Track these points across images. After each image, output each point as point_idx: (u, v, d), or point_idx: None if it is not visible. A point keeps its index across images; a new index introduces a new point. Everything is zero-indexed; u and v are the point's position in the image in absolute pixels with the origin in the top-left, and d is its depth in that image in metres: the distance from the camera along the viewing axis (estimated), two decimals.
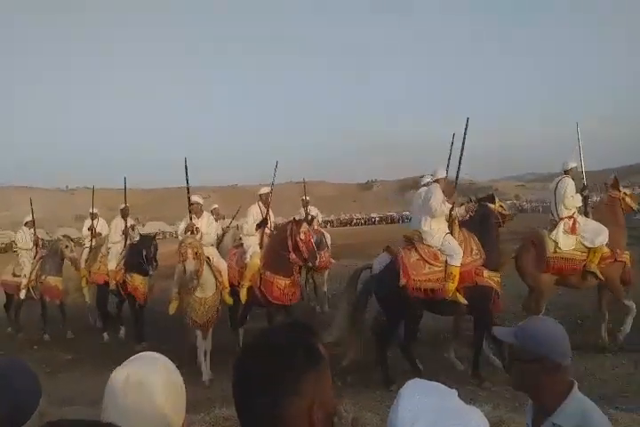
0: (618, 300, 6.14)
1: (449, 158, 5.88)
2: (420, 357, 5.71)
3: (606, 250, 6.12)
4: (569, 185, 6.34)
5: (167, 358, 1.22)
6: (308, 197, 9.60)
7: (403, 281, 5.28)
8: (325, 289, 9.48)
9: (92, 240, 9.17)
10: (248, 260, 6.72)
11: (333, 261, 9.80)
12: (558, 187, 6.45)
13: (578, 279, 6.24)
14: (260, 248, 6.87)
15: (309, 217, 9.15)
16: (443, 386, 0.91)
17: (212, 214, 8.01)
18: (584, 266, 6.11)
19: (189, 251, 5.89)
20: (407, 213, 69.97)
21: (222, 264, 6.73)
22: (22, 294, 8.86)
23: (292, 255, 6.27)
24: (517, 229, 23.08)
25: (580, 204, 6.45)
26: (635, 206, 6.65)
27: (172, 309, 6.55)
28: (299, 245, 6.23)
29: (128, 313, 8.28)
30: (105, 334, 8.27)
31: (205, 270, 6.11)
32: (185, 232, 6.61)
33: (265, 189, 7.48)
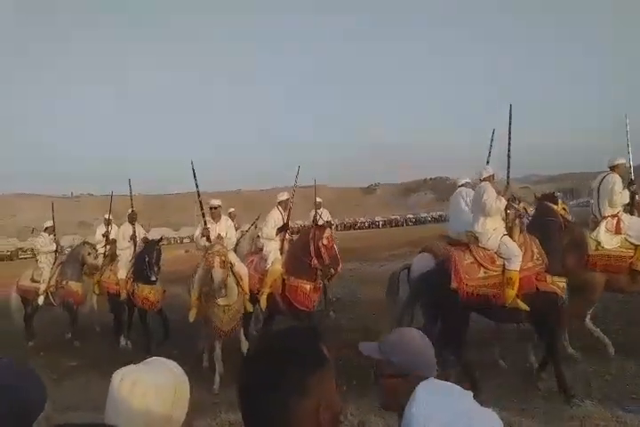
0: None
1: (489, 155, 5.92)
2: None
3: None
4: (616, 182, 5.90)
5: (175, 363, 1.23)
6: (320, 199, 9.31)
7: (454, 284, 4.90)
8: (330, 295, 9.39)
9: (105, 246, 9.01)
10: (269, 266, 6.56)
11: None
12: (603, 183, 6.02)
13: (627, 280, 5.77)
14: (281, 254, 6.73)
15: (323, 221, 8.93)
16: (457, 387, 0.91)
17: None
18: (630, 264, 5.68)
19: (217, 259, 5.78)
20: (411, 215, 70.30)
21: (243, 269, 6.55)
22: (40, 300, 8.75)
23: (314, 261, 6.12)
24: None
25: (628, 200, 6.06)
26: None
27: (192, 316, 6.40)
28: (320, 251, 6.09)
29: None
30: (122, 339, 8.13)
31: (228, 277, 6.01)
32: (201, 237, 6.49)
33: (284, 195, 7.25)
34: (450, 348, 4.86)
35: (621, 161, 6.14)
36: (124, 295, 7.85)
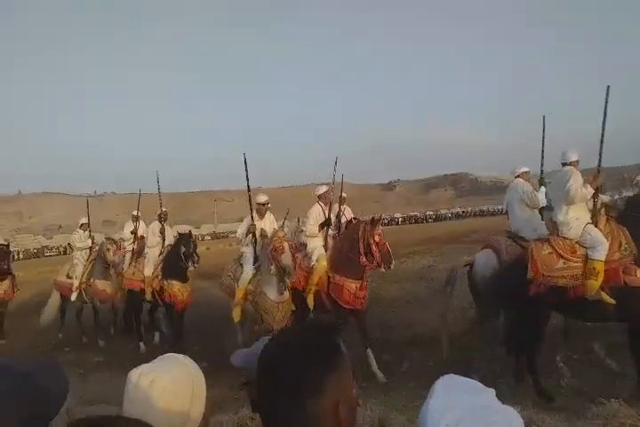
0: None
1: (542, 143, 5.79)
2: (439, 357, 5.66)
3: None
4: None
5: (189, 358, 1.25)
6: (345, 195, 9.18)
7: (530, 274, 4.69)
8: None
9: (134, 243, 8.94)
10: (314, 263, 6.31)
11: None
12: None
13: None
14: (325, 250, 6.53)
15: (346, 219, 8.81)
16: (478, 383, 0.89)
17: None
18: None
19: (285, 244, 5.71)
20: (430, 212, 69.68)
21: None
22: (73, 297, 8.86)
23: (363, 259, 5.88)
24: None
25: None
26: None
27: (237, 315, 6.29)
28: (371, 249, 5.85)
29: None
30: (141, 344, 7.99)
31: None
32: (247, 234, 6.41)
33: (323, 188, 6.95)
34: (523, 342, 4.79)
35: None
36: (149, 293, 7.74)
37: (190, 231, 8.00)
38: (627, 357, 5.03)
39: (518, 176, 5.93)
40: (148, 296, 7.74)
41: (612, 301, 4.47)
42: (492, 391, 0.87)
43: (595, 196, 4.85)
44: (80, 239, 9.24)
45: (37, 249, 53.50)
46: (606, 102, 4.92)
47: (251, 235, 6.36)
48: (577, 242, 4.73)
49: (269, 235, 6.50)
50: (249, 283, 6.25)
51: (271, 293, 5.94)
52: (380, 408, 3.57)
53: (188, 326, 7.95)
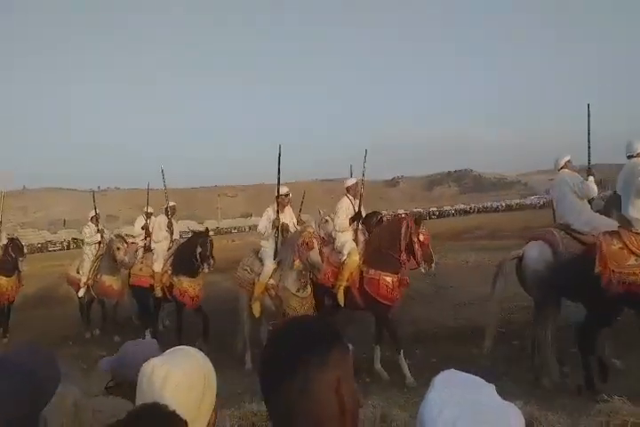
0: None
1: (588, 133, 5.75)
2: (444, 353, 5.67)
3: None
4: None
5: (200, 352, 1.25)
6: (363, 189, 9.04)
7: (598, 269, 4.51)
8: None
9: (145, 239, 8.59)
10: (345, 258, 6.08)
11: None
12: None
13: None
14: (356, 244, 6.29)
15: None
16: (479, 379, 0.89)
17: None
18: None
19: (315, 240, 5.61)
20: (434, 209, 69.35)
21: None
22: (81, 292, 8.78)
23: (404, 256, 5.67)
24: (550, 225, 22.54)
25: None
26: None
27: (257, 310, 6.18)
28: (414, 247, 5.64)
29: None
30: (147, 333, 7.70)
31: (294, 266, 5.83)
32: (272, 228, 6.30)
33: (351, 181, 6.71)
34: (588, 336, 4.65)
35: None
36: (158, 289, 7.54)
37: (207, 229, 7.81)
38: (630, 354, 5.03)
39: (563, 167, 5.67)
40: (158, 292, 7.52)
41: None
42: (493, 387, 0.87)
43: None
44: (90, 234, 9.10)
45: (41, 244, 53.73)
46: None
47: (274, 229, 6.25)
48: None
49: (292, 228, 6.45)
50: (270, 277, 6.13)
51: (294, 287, 5.85)
52: (382, 404, 3.57)
53: (191, 320, 7.96)
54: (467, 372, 0.92)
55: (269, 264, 6.21)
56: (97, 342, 8.24)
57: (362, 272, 5.90)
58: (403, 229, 5.67)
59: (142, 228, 8.78)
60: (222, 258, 9.00)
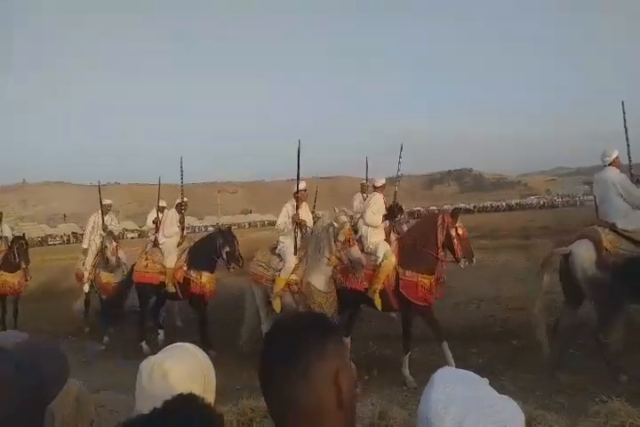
0: None
1: (626, 131, 5.66)
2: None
3: None
4: None
5: (199, 348, 1.26)
6: (369, 183, 8.57)
7: None
8: None
9: (155, 233, 8.14)
10: (380, 259, 5.75)
11: None
12: None
13: None
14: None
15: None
16: (474, 374, 0.92)
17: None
18: None
19: (353, 237, 5.53)
20: (434, 208, 69.29)
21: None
22: (86, 288, 8.60)
23: (441, 252, 5.50)
24: (550, 225, 22.54)
25: None
26: None
27: (277, 306, 6.05)
28: (452, 242, 5.44)
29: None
30: (143, 344, 7.36)
31: (323, 263, 5.69)
32: (292, 222, 6.22)
33: (382, 180, 6.47)
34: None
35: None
36: (170, 285, 7.29)
37: (230, 227, 7.71)
38: (629, 356, 5.03)
39: (611, 163, 5.45)
40: (171, 288, 7.29)
41: None
42: (486, 381, 0.90)
43: None
44: (91, 226, 8.87)
45: (41, 237, 53.69)
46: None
47: (293, 225, 6.19)
48: None
49: (309, 224, 6.37)
50: (292, 273, 6.03)
51: (319, 283, 5.74)
52: (382, 402, 3.57)
53: (191, 316, 7.96)
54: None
55: (291, 260, 6.09)
56: (97, 336, 8.22)
57: (397, 274, 5.66)
58: (438, 224, 5.49)
59: (153, 222, 8.48)
60: None
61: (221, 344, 6.67)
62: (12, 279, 8.72)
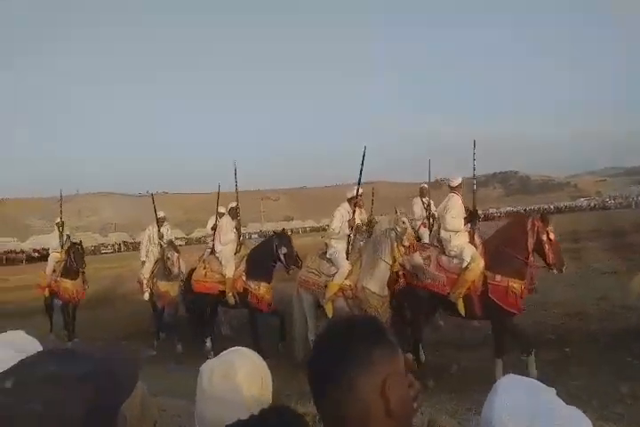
0: None
1: None
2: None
3: None
4: None
5: (256, 353, 1.30)
6: (426, 185, 8.84)
7: None
8: None
9: (214, 240, 7.97)
10: (467, 262, 5.49)
11: None
12: None
13: None
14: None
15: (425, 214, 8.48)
16: (540, 383, 0.90)
17: None
18: None
19: (415, 243, 5.49)
20: (480, 212, 67.41)
21: None
22: (146, 296, 8.59)
23: (531, 258, 5.27)
24: (602, 228, 21.59)
25: None
26: None
27: (330, 310, 5.96)
28: (543, 247, 5.23)
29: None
30: (208, 341, 7.46)
31: (382, 268, 5.67)
32: (347, 227, 6.18)
33: (458, 180, 6.19)
34: None
35: None
36: (230, 296, 7.15)
37: (284, 229, 7.63)
38: None
39: None
40: (231, 300, 7.18)
41: None
42: (553, 390, 0.88)
43: None
44: (149, 237, 8.91)
45: (94, 246, 55.60)
46: None
47: (349, 229, 6.17)
48: None
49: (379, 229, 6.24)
50: (346, 278, 5.96)
51: (375, 287, 5.67)
52: (431, 411, 3.54)
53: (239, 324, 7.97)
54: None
55: (345, 265, 6.03)
56: (148, 342, 8.36)
57: (485, 278, 5.40)
58: (529, 228, 5.27)
59: (212, 228, 8.40)
60: None
61: (270, 349, 6.73)
62: (72, 287, 8.97)
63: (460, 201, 5.94)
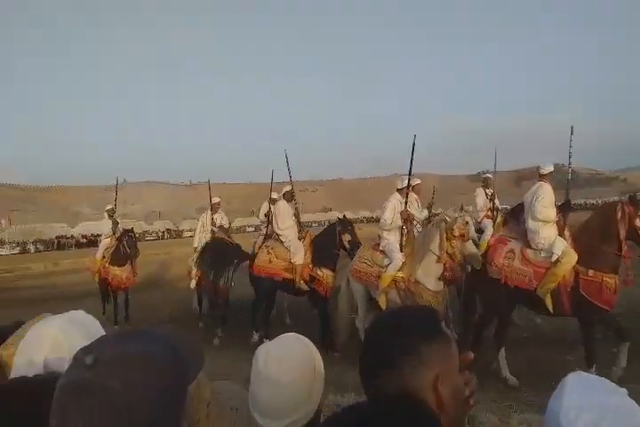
0: None
1: None
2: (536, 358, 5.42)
3: None
4: None
5: (309, 340, 1.33)
6: (490, 175, 8.72)
7: None
8: None
9: (267, 227, 7.95)
10: (557, 257, 5.20)
11: None
12: None
13: None
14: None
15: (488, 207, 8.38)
16: (609, 382, 0.88)
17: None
18: None
19: (469, 232, 5.42)
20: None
21: None
22: (192, 284, 8.63)
23: (624, 248, 4.90)
24: None
25: None
26: None
27: (383, 302, 5.89)
28: (638, 234, 4.84)
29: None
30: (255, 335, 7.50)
31: (432, 260, 5.55)
32: (400, 218, 6.08)
33: (550, 167, 5.97)
34: None
35: None
36: (302, 283, 7.08)
37: (345, 216, 7.57)
38: None
39: None
40: (304, 287, 7.10)
41: None
42: (624, 391, 0.86)
43: None
44: (203, 224, 8.94)
45: (139, 233, 57.25)
46: None
47: (401, 221, 6.07)
48: None
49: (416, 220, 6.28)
50: (399, 270, 5.88)
51: (429, 282, 5.59)
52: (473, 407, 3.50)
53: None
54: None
55: (398, 257, 5.95)
56: (195, 328, 8.38)
57: (576, 273, 5.13)
58: (619, 216, 4.89)
59: (265, 215, 8.39)
60: None
61: (311, 337, 6.73)
62: (121, 273, 9.17)
63: (551, 190, 5.65)
